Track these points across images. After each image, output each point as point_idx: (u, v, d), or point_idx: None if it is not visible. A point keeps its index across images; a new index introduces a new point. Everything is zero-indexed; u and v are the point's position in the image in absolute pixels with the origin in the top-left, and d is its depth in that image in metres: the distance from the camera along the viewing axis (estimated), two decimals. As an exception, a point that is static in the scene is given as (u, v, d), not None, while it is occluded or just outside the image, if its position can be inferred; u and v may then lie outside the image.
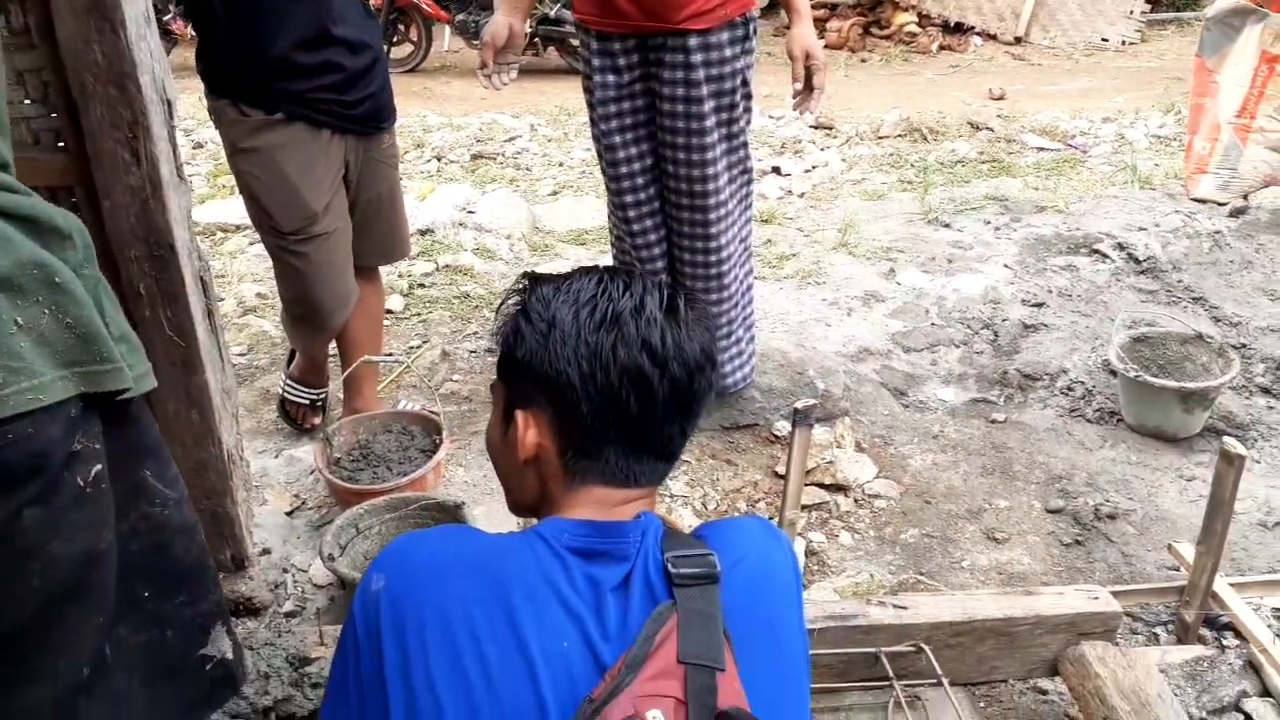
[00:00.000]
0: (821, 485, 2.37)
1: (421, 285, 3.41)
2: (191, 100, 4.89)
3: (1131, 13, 8.10)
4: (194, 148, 4.95)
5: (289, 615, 1.94)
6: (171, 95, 1.56)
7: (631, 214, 2.40)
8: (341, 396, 2.55)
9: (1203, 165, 4.02)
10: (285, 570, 2.07)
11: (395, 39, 7.59)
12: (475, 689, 0.80)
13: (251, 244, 3.68)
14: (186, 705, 1.04)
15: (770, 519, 2.25)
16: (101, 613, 0.91)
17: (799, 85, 2.30)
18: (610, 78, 2.25)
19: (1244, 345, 2.92)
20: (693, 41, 2.16)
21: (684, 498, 2.34)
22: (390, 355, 2.80)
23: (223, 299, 3.23)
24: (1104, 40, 8.02)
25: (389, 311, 3.21)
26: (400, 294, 3.32)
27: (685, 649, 0.80)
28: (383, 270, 3.51)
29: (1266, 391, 2.73)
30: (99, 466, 0.86)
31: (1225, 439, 1.67)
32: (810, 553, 2.17)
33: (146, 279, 1.57)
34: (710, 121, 2.23)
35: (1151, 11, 8.22)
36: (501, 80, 2.32)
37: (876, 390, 2.77)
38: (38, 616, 0.87)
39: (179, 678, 1.01)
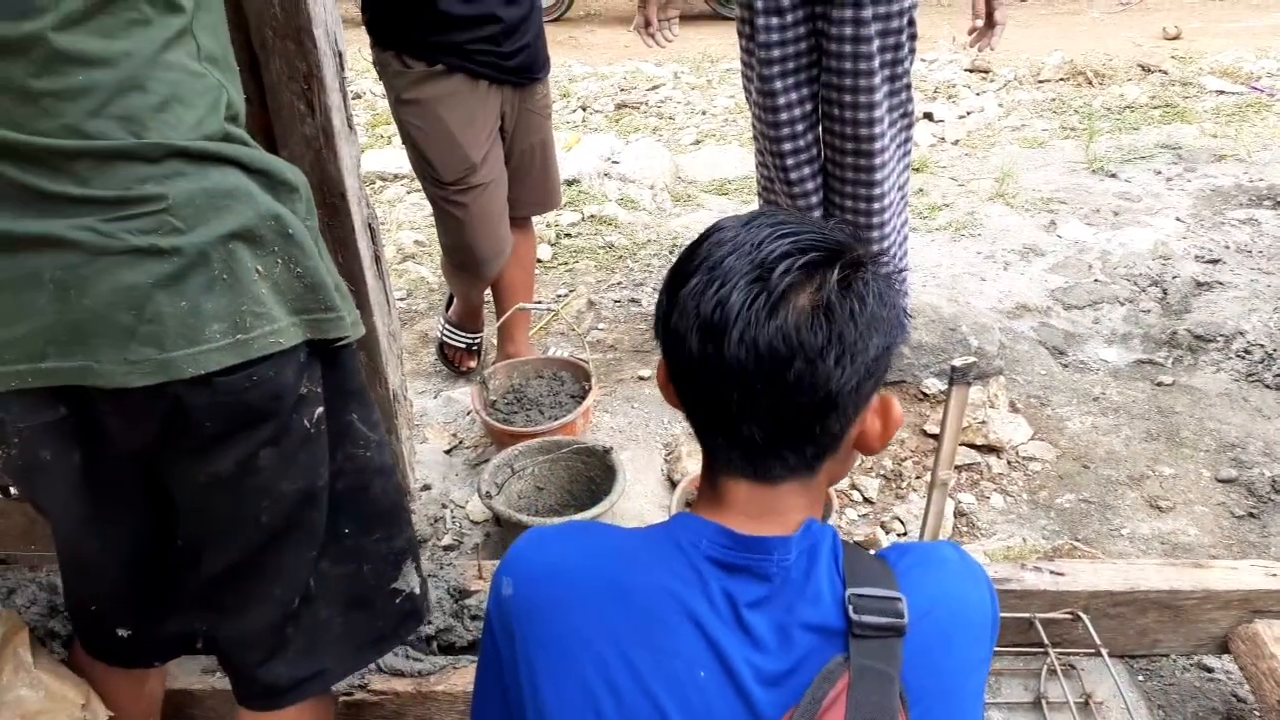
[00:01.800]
0: (973, 446, 2.31)
1: (568, 235, 3.47)
2: (350, 52, 5.07)
3: (1333, -61, 7.33)
4: (354, 98, 5.14)
5: (448, 549, 2.05)
6: (342, 47, 1.62)
7: (790, 161, 2.35)
8: (496, 341, 2.64)
9: None
10: (444, 506, 2.17)
11: (541, -13, 7.63)
12: (604, 713, 0.77)
13: (410, 192, 3.82)
14: (377, 636, 1.11)
15: (919, 477, 2.22)
16: (313, 547, 0.99)
17: (980, 21, 2.20)
18: (774, 20, 2.18)
19: None
20: None
21: (829, 452, 2.33)
22: (540, 303, 2.87)
23: (384, 246, 3.37)
24: (1299, -30, 7.30)
25: (538, 261, 3.28)
26: (548, 243, 3.39)
27: (854, 715, 0.72)
28: (534, 220, 3.61)
29: None
30: (320, 409, 0.93)
31: None
32: (960, 513, 2.13)
33: (320, 225, 1.67)
34: (877, 62, 2.16)
35: (1357, -63, 7.41)
36: (666, 37, 2.31)
37: (1033, 348, 2.67)
38: (262, 549, 0.95)
39: (372, 609, 1.09)
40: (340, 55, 1.62)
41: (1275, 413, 2.37)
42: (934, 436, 2.30)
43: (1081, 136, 4.11)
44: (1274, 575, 1.56)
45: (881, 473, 2.28)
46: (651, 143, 4.15)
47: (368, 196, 1.76)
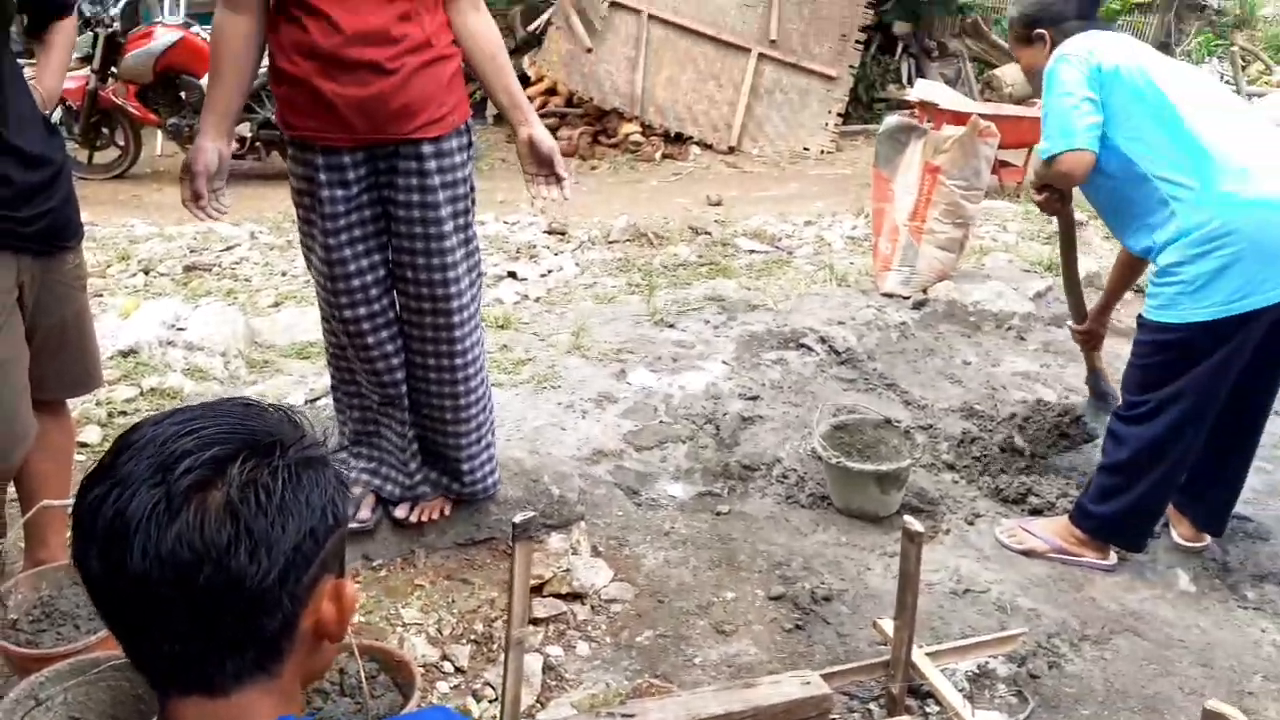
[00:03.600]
0: (559, 595, 2.37)
1: (123, 413, 3.13)
2: None
3: (826, 125, 9.04)
4: None
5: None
6: None
7: (366, 326, 2.31)
8: (23, 546, 2.27)
9: (887, 263, 4.51)
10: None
11: (99, 143, 7.08)
12: None
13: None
14: None
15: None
16: None
17: (559, 179, 2.35)
18: (339, 191, 2.18)
19: (931, 425, 3.26)
20: (426, 149, 2.16)
21: (417, 625, 2.26)
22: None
23: None
24: (805, 149, 8.89)
25: (83, 445, 2.91)
26: (98, 424, 3.03)
27: None
28: (78, 400, 3.20)
29: (951, 467, 3.05)
30: None
31: (906, 518, 1.84)
32: (549, 667, 2.15)
33: None
34: (448, 226, 2.23)
35: (843, 124, 9.21)
36: (216, 210, 2.20)
37: (610, 491, 2.83)
38: None
39: None
40: None
41: (810, 529, 2.71)
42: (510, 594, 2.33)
43: (644, 291, 4.56)
44: (808, 684, 1.74)
45: (472, 638, 2.24)
46: (223, 306, 3.92)
47: None
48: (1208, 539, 2.64)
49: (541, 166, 2.34)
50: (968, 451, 3.10)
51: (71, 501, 2.31)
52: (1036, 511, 2.78)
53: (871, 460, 2.77)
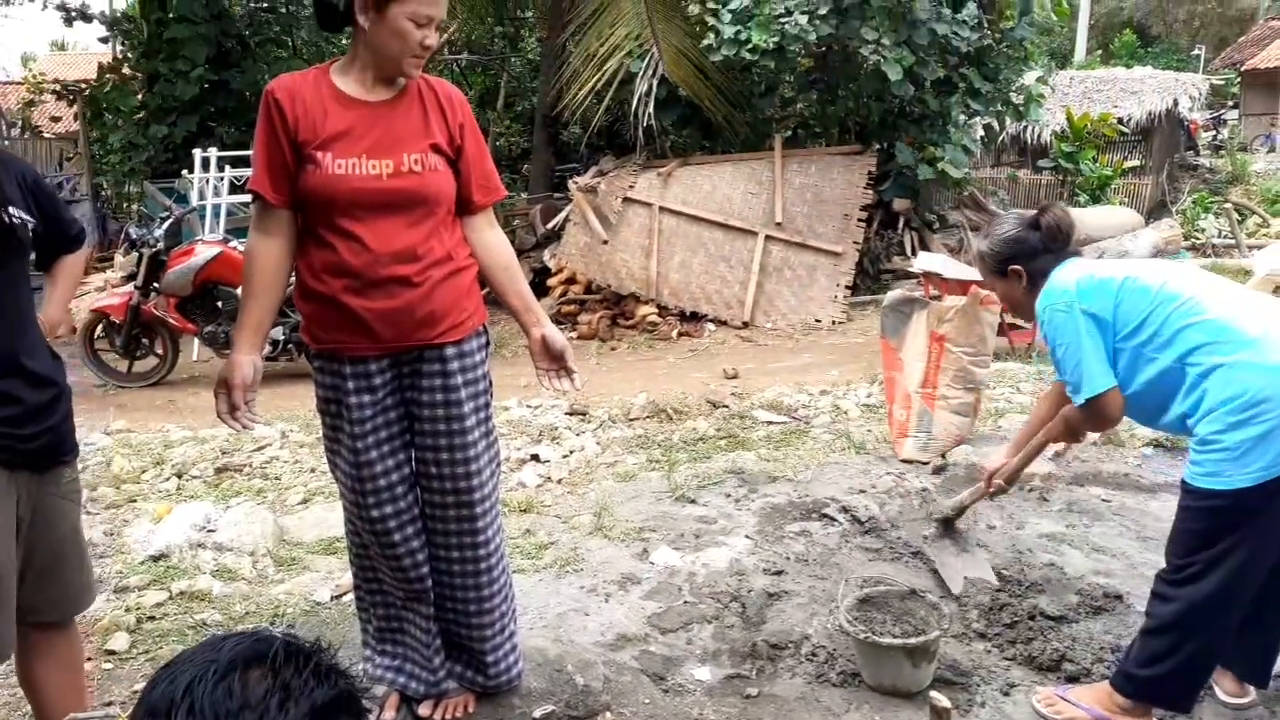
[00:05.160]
0: (585, 790, 2.30)
1: (152, 618, 3.15)
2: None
3: (836, 297, 9.31)
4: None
5: None
6: None
7: (393, 524, 2.38)
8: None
9: (903, 430, 4.56)
10: None
11: (139, 353, 7.41)
12: None
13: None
14: None
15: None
16: None
17: (570, 372, 2.50)
18: (365, 397, 2.30)
19: (960, 595, 3.21)
20: (450, 352, 2.31)
21: (441, 827, 2.19)
22: (108, 708, 2.52)
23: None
24: (817, 321, 9.13)
25: (110, 652, 2.93)
26: (126, 630, 3.05)
27: None
28: (106, 603, 3.24)
29: (983, 636, 2.98)
30: None
31: (932, 694, 1.81)
32: None
33: None
34: (470, 422, 2.35)
35: (852, 295, 9.49)
36: (250, 420, 2.32)
37: (636, 678, 2.79)
38: None
39: None
40: None
41: (842, 709, 2.64)
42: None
43: (664, 467, 4.61)
44: None
45: (497, 840, 2.17)
46: (252, 506, 4.01)
47: None
48: (1253, 693, 2.55)
49: (554, 362, 2.49)
50: (998, 619, 3.05)
51: (96, 714, 2.32)
52: (1072, 678, 2.70)
53: (898, 635, 2.73)
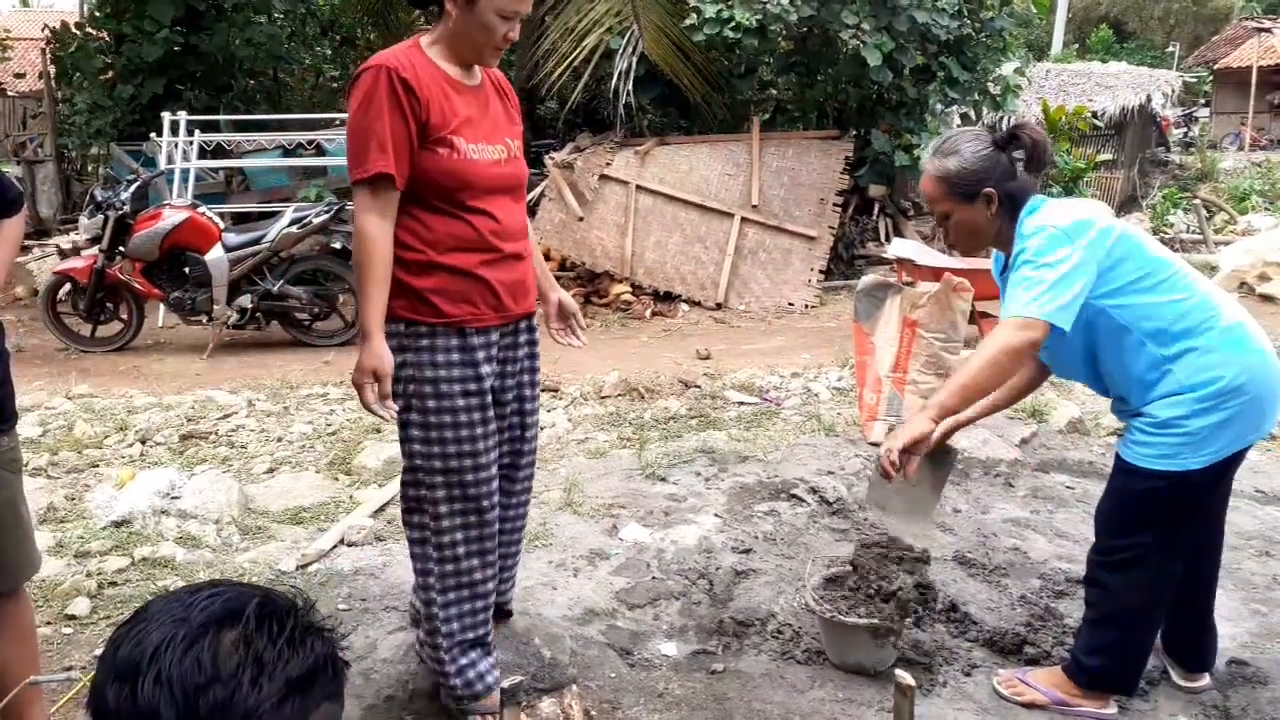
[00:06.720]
0: (550, 762, 2.31)
1: (113, 584, 3.11)
2: None
3: (810, 281, 9.34)
4: None
5: None
6: None
7: (490, 492, 2.38)
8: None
9: (873, 413, 4.59)
10: None
11: (103, 318, 7.28)
12: None
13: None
14: None
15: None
16: None
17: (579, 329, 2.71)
18: (490, 368, 2.38)
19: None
20: (535, 320, 2.53)
21: (404, 796, 2.19)
22: (68, 672, 2.49)
23: None
24: (790, 304, 9.15)
25: (71, 617, 2.89)
26: (87, 595, 3.01)
27: None
28: (67, 568, 3.20)
29: (946, 618, 3.02)
30: None
31: (897, 671, 1.83)
32: (540, 840, 2.08)
33: None
34: (539, 381, 2.62)
35: (826, 280, 9.52)
36: (393, 408, 2.27)
37: (603, 652, 2.80)
38: None
39: None
40: None
41: (806, 686, 2.66)
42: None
43: (635, 445, 4.61)
44: None
45: (461, 809, 2.17)
46: (217, 474, 3.96)
47: None
48: (1206, 677, 2.61)
49: (566, 321, 2.72)
50: (961, 601, 3.08)
51: (56, 676, 2.28)
52: (1033, 661, 2.74)
53: (865, 614, 2.75)
